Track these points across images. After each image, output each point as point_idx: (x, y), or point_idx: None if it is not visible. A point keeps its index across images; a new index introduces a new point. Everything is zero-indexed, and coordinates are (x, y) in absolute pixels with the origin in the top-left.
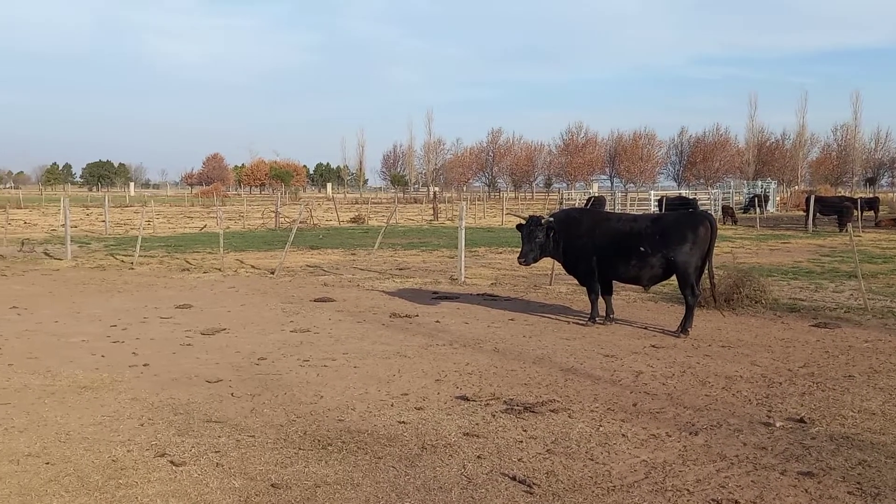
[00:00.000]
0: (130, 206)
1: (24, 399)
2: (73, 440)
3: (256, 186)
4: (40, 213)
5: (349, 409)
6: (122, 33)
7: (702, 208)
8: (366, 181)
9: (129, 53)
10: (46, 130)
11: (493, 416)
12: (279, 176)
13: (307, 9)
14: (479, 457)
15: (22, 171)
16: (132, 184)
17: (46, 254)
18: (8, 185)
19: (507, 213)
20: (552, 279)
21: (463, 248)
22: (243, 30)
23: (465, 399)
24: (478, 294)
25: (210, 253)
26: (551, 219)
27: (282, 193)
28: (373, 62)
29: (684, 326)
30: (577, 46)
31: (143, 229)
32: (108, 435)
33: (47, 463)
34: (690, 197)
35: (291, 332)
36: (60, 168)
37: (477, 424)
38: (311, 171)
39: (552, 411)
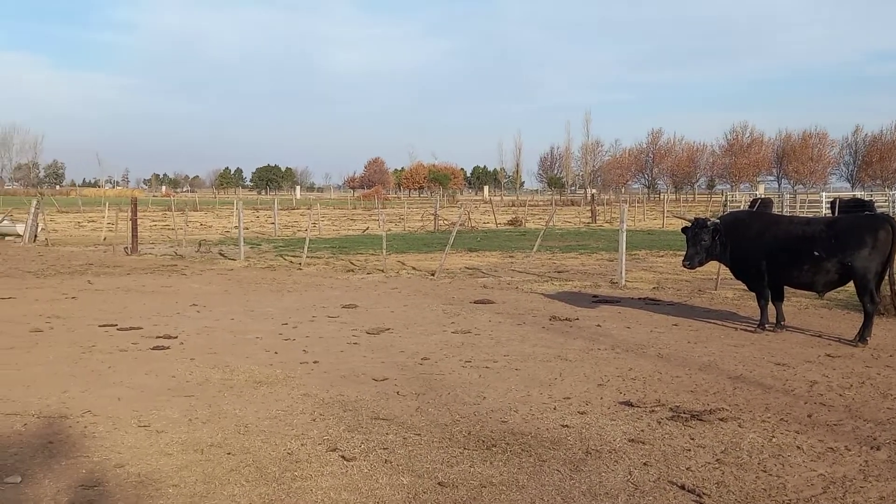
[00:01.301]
0: (297, 208)
1: (205, 392)
2: (251, 432)
3: (415, 189)
4: (214, 216)
5: (512, 411)
6: (290, 43)
7: (879, 211)
8: (522, 183)
9: (296, 62)
10: (220, 136)
11: (659, 422)
12: (437, 179)
13: (462, 14)
14: (645, 464)
15: (197, 176)
16: (298, 187)
17: (221, 254)
18: (185, 189)
19: (670, 216)
20: (718, 283)
21: (623, 250)
22: (402, 37)
23: (630, 405)
24: (639, 298)
25: (373, 254)
26: (717, 221)
27: (440, 196)
28: (529, 64)
29: (863, 335)
30: (741, 45)
31: (310, 231)
32: (283, 428)
33: (228, 453)
34: (866, 199)
35: (453, 333)
36: (232, 172)
37: (642, 431)
38: (469, 174)
39: (721, 420)
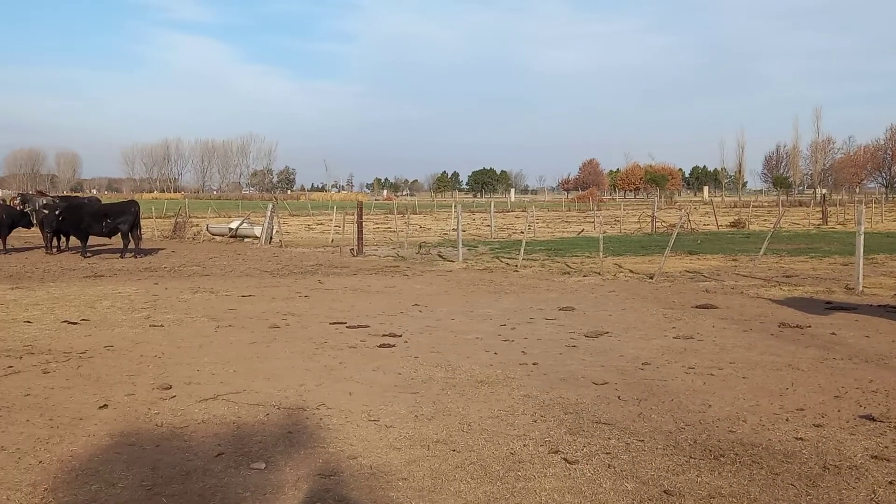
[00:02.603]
0: (511, 211)
1: (429, 389)
2: (474, 431)
3: (630, 191)
4: (433, 218)
5: (740, 421)
6: (505, 45)
7: None
8: (745, 183)
9: (511, 64)
10: (437, 140)
11: None
12: (654, 180)
13: (677, 9)
14: (891, 483)
15: (416, 180)
16: (512, 190)
17: (440, 256)
18: (404, 193)
19: None
20: None
21: (861, 254)
22: (616, 34)
23: (871, 419)
24: (879, 305)
25: (588, 257)
26: None
27: (657, 197)
28: (751, 59)
29: None
30: None
31: (525, 233)
32: (505, 428)
33: (453, 450)
34: None
35: (674, 338)
36: (449, 176)
37: (886, 447)
38: (687, 175)
39: None
